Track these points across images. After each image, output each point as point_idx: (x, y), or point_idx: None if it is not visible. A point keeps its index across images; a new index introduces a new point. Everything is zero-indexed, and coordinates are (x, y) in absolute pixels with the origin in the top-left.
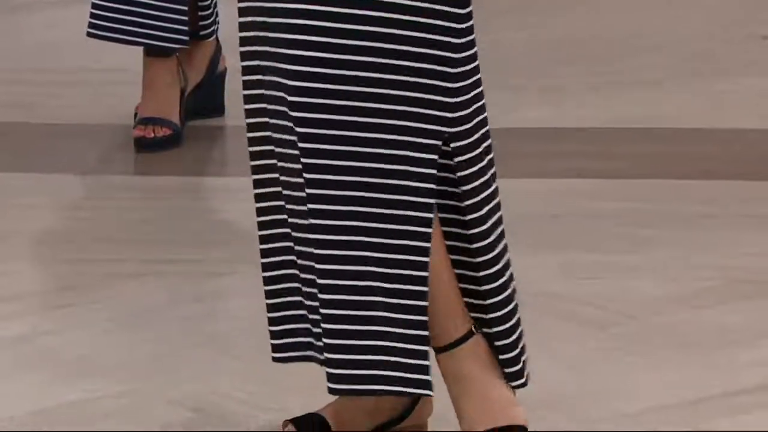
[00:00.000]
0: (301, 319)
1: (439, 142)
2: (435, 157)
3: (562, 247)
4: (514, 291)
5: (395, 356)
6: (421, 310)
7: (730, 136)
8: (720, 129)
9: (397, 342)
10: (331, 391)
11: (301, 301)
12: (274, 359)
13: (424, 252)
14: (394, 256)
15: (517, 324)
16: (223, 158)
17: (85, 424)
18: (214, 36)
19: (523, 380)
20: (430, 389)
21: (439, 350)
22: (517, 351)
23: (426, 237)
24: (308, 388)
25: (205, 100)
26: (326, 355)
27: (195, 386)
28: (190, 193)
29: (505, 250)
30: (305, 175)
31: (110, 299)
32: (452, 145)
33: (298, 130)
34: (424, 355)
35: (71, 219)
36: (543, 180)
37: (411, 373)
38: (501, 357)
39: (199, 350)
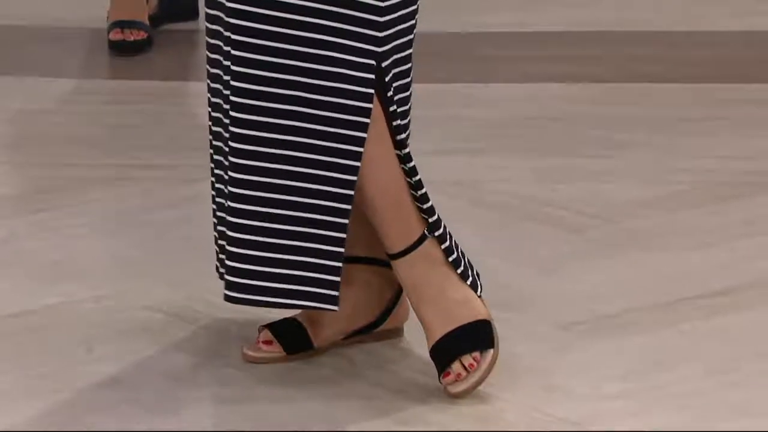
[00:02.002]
0: None
1: (373, 62)
2: (372, 76)
3: (538, 151)
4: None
5: (306, 271)
6: (341, 227)
7: (704, 38)
8: (694, 32)
9: (312, 257)
10: (227, 298)
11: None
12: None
13: (354, 170)
14: (321, 173)
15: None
16: (197, 62)
17: (63, 327)
18: None
19: (470, 279)
20: (336, 304)
21: (394, 257)
22: (458, 253)
23: (357, 155)
24: None
25: (179, 4)
26: (227, 263)
27: (171, 291)
28: (164, 97)
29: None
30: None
31: (86, 204)
32: (383, 64)
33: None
34: (336, 271)
35: (47, 123)
36: (518, 85)
37: (321, 287)
38: (449, 258)
39: (174, 255)
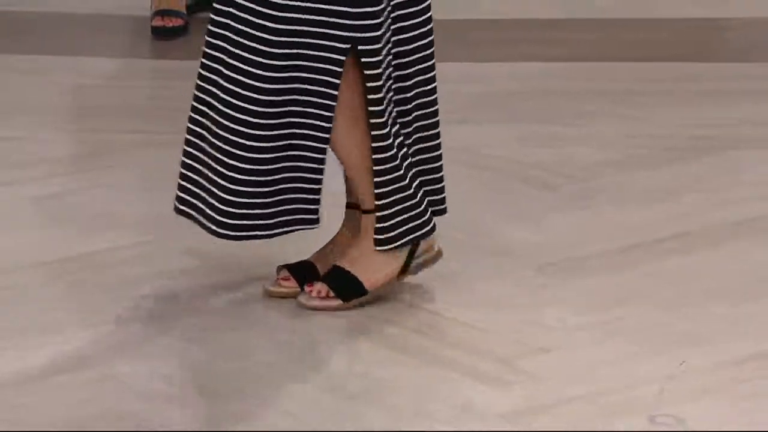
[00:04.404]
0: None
1: (347, 45)
2: (342, 57)
3: (519, 120)
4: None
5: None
6: (318, 171)
7: (661, 24)
8: (652, 18)
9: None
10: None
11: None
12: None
13: (326, 129)
14: (297, 142)
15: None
16: None
17: (108, 269)
18: None
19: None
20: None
21: (363, 212)
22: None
23: (328, 118)
24: (300, 238)
25: None
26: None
27: (201, 239)
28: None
29: (399, 130)
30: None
31: (128, 165)
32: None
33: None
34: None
35: (97, 96)
36: (502, 63)
37: (308, 214)
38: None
39: None
